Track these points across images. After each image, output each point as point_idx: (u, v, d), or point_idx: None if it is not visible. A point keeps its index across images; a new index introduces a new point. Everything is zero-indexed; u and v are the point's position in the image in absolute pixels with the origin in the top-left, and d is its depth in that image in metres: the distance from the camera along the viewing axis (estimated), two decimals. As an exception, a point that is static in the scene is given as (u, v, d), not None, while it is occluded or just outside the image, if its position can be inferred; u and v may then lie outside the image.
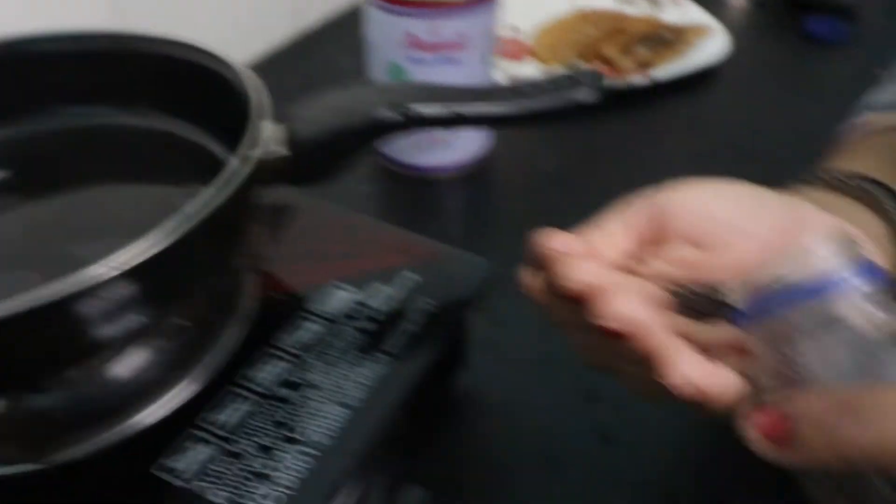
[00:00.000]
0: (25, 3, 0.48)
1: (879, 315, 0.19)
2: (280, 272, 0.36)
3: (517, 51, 0.66)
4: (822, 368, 0.19)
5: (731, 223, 0.27)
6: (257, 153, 0.29)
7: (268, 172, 0.31)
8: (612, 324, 0.23)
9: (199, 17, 0.62)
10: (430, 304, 0.34)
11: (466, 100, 0.32)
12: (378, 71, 0.51)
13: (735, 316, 0.23)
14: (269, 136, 0.31)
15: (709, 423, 0.36)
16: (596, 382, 0.38)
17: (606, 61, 0.63)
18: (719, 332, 0.25)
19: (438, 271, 0.36)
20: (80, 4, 0.52)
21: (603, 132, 0.58)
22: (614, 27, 0.65)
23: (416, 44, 0.48)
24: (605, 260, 0.28)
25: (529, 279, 0.29)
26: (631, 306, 0.24)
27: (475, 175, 0.54)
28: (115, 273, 0.24)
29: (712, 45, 0.64)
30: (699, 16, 0.68)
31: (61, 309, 0.24)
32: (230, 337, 0.32)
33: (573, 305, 0.26)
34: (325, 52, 0.68)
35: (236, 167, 0.28)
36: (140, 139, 0.36)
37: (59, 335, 0.25)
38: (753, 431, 0.19)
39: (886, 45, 0.67)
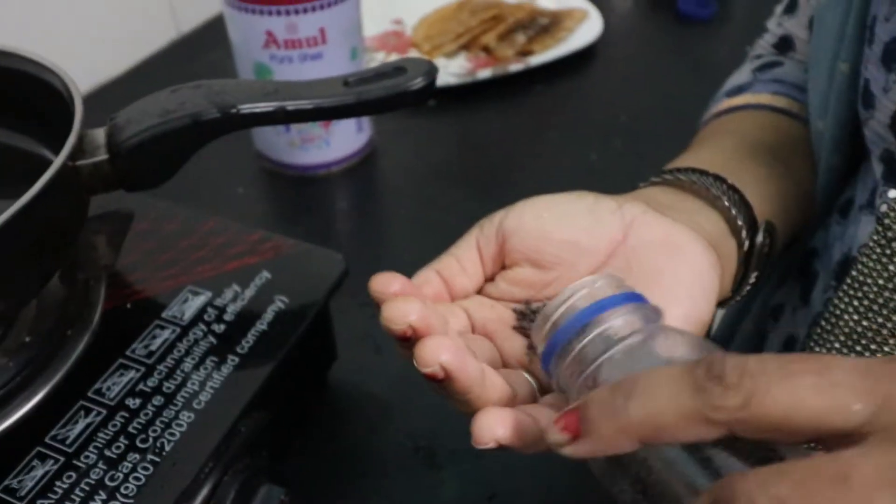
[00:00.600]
0: None
1: (641, 324, 0.23)
2: (132, 280, 0.35)
3: (400, 44, 0.67)
4: (612, 376, 0.21)
5: (567, 242, 0.28)
6: (66, 156, 0.28)
7: (92, 178, 0.31)
8: (425, 369, 0.23)
9: (76, 24, 0.60)
10: (283, 301, 0.34)
11: (295, 94, 0.33)
12: (245, 72, 0.50)
13: (542, 358, 0.24)
14: (92, 141, 0.31)
15: None
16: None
17: (486, 50, 0.64)
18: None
19: (294, 269, 0.36)
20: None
21: (485, 122, 0.59)
22: (491, 15, 0.66)
23: (277, 42, 0.48)
24: (457, 290, 0.28)
25: None
26: (443, 349, 0.23)
27: (356, 171, 0.54)
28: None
29: (588, 28, 0.66)
30: (575, 0, 0.70)
31: None
32: (75, 349, 0.32)
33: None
34: (207, 55, 0.67)
35: (48, 173, 0.27)
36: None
37: None
38: (555, 432, 0.20)
39: (756, 23, 0.70)
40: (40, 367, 0.31)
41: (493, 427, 0.22)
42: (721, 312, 0.45)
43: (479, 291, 0.29)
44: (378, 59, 0.64)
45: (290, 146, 0.52)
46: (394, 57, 0.64)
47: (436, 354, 0.22)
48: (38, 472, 0.28)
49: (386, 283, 0.25)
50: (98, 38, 0.62)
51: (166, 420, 0.29)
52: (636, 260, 0.27)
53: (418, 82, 0.33)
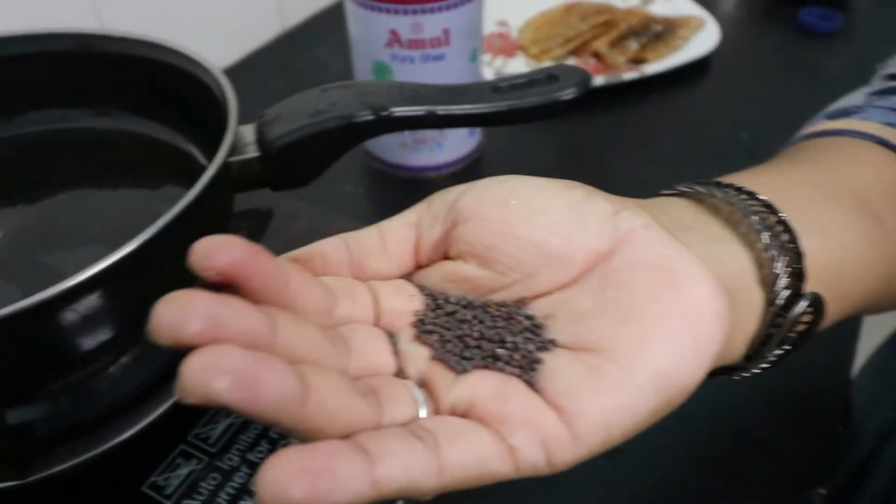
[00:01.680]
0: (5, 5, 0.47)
1: None
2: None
3: (506, 46, 0.65)
4: None
5: (534, 244, 0.21)
6: (225, 155, 0.28)
7: (240, 175, 0.31)
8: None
9: (184, 16, 0.61)
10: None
11: (445, 99, 0.32)
12: (363, 70, 0.50)
13: None
14: (241, 139, 0.31)
15: (719, 435, 0.35)
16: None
17: (597, 56, 0.63)
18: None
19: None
20: (62, 9, 0.51)
21: (595, 128, 0.58)
22: (603, 20, 0.64)
23: (400, 41, 0.47)
24: (368, 274, 0.23)
25: None
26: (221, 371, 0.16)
27: (465, 175, 0.53)
28: (90, 280, 0.23)
29: (703, 37, 0.63)
30: (690, 7, 0.67)
31: (40, 318, 0.23)
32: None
33: None
34: (312, 51, 0.67)
35: (210, 171, 0.27)
36: (112, 142, 0.35)
37: (38, 347, 0.24)
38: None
39: (880, 36, 0.66)
40: (179, 361, 0.31)
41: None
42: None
43: (407, 278, 0.24)
44: (484, 61, 0.63)
45: (402, 147, 0.51)
46: (500, 59, 0.63)
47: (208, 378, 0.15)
48: (183, 471, 0.27)
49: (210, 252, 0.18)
50: (205, 31, 0.63)
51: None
52: (616, 285, 0.21)
53: (571, 91, 0.32)
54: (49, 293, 0.22)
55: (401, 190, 0.52)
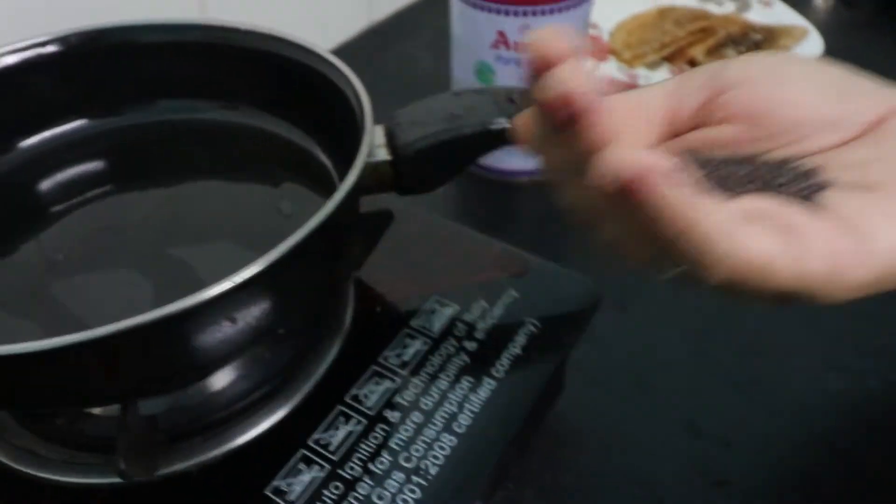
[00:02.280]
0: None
1: None
2: (377, 282, 0.34)
3: (598, 50, 0.64)
4: None
5: (808, 105, 0.22)
6: (365, 159, 0.27)
7: (370, 178, 0.30)
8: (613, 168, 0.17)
9: (275, 7, 0.60)
10: (534, 325, 0.32)
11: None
12: (464, 69, 0.49)
13: None
14: (374, 142, 0.30)
15: (835, 466, 0.34)
16: (698, 413, 0.36)
17: (692, 64, 0.61)
18: None
19: (543, 290, 0.34)
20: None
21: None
22: (700, 27, 0.63)
23: (507, 43, 0.46)
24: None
25: (523, 119, 0.23)
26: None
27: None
28: (235, 288, 0.23)
29: (805, 47, 0.61)
30: (789, 16, 0.65)
31: (183, 323, 0.22)
32: (331, 350, 0.31)
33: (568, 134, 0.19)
34: (400, 46, 0.66)
35: (351, 176, 0.26)
36: (236, 135, 0.35)
37: (171, 349, 0.24)
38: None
39: None
40: (299, 364, 0.30)
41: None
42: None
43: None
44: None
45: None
46: (591, 62, 0.62)
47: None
48: (306, 478, 0.27)
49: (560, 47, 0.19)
50: (294, 22, 0.62)
51: (428, 441, 0.28)
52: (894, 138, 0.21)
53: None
54: (196, 299, 0.22)
55: (495, 193, 0.51)
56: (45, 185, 0.33)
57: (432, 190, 0.31)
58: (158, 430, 0.27)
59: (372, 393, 0.30)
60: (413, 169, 0.30)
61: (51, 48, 0.33)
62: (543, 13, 0.45)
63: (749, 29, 0.62)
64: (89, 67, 0.33)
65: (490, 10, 0.45)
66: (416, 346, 0.31)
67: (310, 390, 0.29)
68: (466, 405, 0.29)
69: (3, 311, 0.28)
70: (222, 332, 0.24)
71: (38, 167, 0.33)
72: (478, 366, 0.31)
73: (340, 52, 0.66)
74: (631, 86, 0.58)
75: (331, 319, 0.32)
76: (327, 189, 0.33)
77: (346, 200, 0.25)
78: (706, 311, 0.41)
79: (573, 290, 0.34)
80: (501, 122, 0.29)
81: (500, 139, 0.29)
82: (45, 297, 0.29)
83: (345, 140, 0.32)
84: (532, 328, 0.32)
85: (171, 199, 0.34)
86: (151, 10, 0.50)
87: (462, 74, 0.49)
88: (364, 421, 0.29)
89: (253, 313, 0.25)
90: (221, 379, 0.29)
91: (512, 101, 0.30)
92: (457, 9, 0.47)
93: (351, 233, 0.30)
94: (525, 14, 0.45)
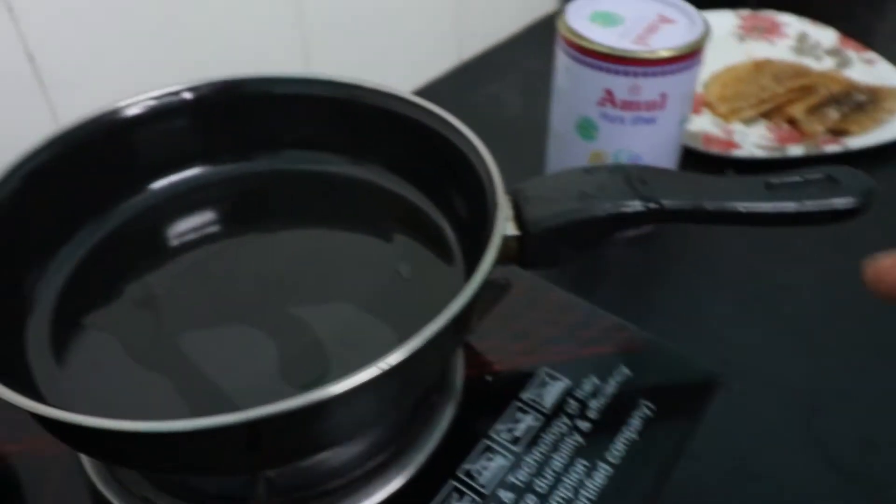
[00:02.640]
0: (217, 48, 0.49)
1: None
2: (486, 349, 0.34)
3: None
4: None
5: None
6: (501, 238, 0.27)
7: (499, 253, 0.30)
8: None
9: (363, 42, 0.61)
10: (649, 407, 0.31)
11: (713, 192, 0.30)
12: (565, 123, 0.49)
13: None
14: (504, 216, 0.30)
15: None
16: None
17: (791, 122, 0.59)
18: None
19: (656, 370, 0.33)
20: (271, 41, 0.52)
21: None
22: (800, 84, 0.61)
23: (614, 101, 0.45)
24: None
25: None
26: None
27: (658, 234, 0.51)
28: (380, 374, 0.22)
29: (911, 111, 0.59)
30: (894, 76, 0.63)
31: (331, 404, 0.22)
32: (443, 419, 0.31)
33: None
34: (488, 86, 0.66)
35: (486, 257, 0.26)
36: (356, 189, 0.35)
37: (309, 427, 0.24)
38: None
39: None
40: (413, 432, 0.30)
41: None
42: None
43: None
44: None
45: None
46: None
47: None
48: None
49: None
50: (384, 58, 0.63)
51: (544, 526, 0.28)
52: None
53: (852, 201, 0.30)
54: (350, 383, 0.22)
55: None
56: (171, 228, 0.34)
57: (556, 267, 0.31)
58: (277, 493, 0.27)
59: (485, 469, 0.29)
60: (540, 246, 0.29)
61: (185, 96, 0.34)
62: (655, 74, 0.44)
63: (852, 89, 0.60)
64: (220, 116, 0.34)
65: (599, 69, 0.45)
66: (527, 422, 0.31)
67: (424, 461, 0.29)
68: (582, 492, 0.29)
69: (133, 361, 0.29)
70: (356, 409, 0.24)
71: (165, 210, 0.34)
72: (592, 448, 0.30)
73: (429, 90, 0.67)
74: (728, 143, 0.57)
75: (443, 385, 0.32)
76: (442, 249, 0.33)
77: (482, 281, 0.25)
78: (815, 390, 0.40)
79: (689, 372, 0.33)
80: (635, 206, 0.29)
81: (633, 222, 0.29)
82: (173, 348, 0.29)
83: (467, 207, 0.32)
84: (647, 411, 0.31)
85: (290, 247, 0.34)
86: (256, 58, 0.51)
87: (562, 128, 0.49)
88: (479, 500, 0.28)
89: (385, 391, 0.25)
90: (338, 452, 0.29)
91: (644, 182, 0.30)
92: (563, 62, 0.47)
93: (473, 303, 0.30)
94: (636, 75, 0.44)
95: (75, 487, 0.29)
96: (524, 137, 0.56)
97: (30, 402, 0.21)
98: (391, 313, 0.30)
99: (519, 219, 0.29)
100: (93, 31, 0.42)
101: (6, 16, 0.38)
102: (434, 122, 0.32)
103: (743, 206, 0.30)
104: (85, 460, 0.30)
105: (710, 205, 0.29)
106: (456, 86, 0.67)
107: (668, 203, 0.29)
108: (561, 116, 0.49)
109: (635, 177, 0.30)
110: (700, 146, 0.56)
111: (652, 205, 0.29)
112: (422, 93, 0.66)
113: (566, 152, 0.50)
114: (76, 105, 0.43)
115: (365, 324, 0.30)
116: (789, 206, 0.30)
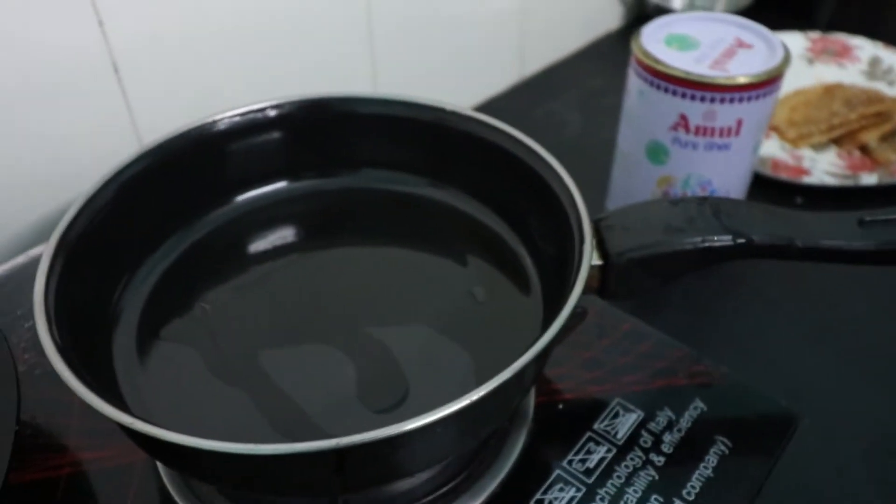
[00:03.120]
0: (292, 64, 0.49)
1: None
2: (557, 376, 0.34)
3: (757, 124, 0.61)
4: None
5: None
6: (587, 272, 0.27)
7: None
8: None
9: (427, 57, 0.61)
10: (725, 444, 0.31)
11: (805, 228, 0.29)
12: (634, 145, 0.48)
13: None
14: (591, 248, 0.29)
15: None
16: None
17: (863, 149, 0.58)
18: None
19: (732, 407, 0.32)
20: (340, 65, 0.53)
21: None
22: (874, 110, 0.59)
23: (687, 127, 0.45)
24: None
25: None
26: None
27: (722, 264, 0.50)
28: (466, 406, 0.22)
29: None
30: (972, 105, 0.61)
31: (418, 433, 0.22)
32: (515, 447, 0.30)
33: None
34: (549, 103, 0.66)
35: (573, 292, 0.26)
36: (434, 210, 0.35)
37: (393, 455, 0.24)
38: None
39: None
40: (485, 459, 0.30)
41: None
42: None
43: None
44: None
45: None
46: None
47: None
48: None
49: None
50: (447, 74, 0.63)
51: (618, 563, 0.27)
52: None
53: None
54: (439, 414, 0.22)
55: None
56: (253, 240, 0.35)
57: (634, 298, 0.30)
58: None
59: (557, 500, 0.29)
60: (622, 277, 0.29)
61: (271, 113, 0.34)
62: (732, 101, 0.43)
63: (928, 117, 0.59)
64: (305, 133, 0.35)
65: (674, 93, 0.44)
66: (600, 453, 0.30)
67: (495, 488, 0.29)
68: (657, 528, 0.28)
69: (214, 376, 0.29)
70: (439, 439, 0.24)
71: (248, 222, 0.35)
72: (667, 484, 0.29)
73: (489, 106, 0.66)
74: (797, 169, 0.56)
75: (517, 413, 0.31)
76: (518, 275, 0.33)
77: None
78: (891, 428, 0.39)
79: (766, 408, 0.32)
80: (724, 240, 0.28)
81: (720, 256, 0.28)
82: (252, 363, 0.30)
83: (546, 235, 0.32)
84: (723, 448, 0.31)
85: (367, 264, 0.34)
86: (327, 73, 0.52)
87: (630, 150, 0.49)
88: (552, 532, 0.28)
89: (468, 422, 0.25)
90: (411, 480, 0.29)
91: (731, 215, 0.29)
92: (635, 85, 0.47)
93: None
94: (712, 101, 0.43)
95: (151, 496, 0.30)
96: (586, 157, 0.56)
97: (136, 421, 0.22)
98: (467, 338, 0.30)
99: (601, 248, 0.29)
100: (175, 49, 0.43)
101: (97, 29, 0.39)
102: (517, 149, 0.32)
103: (836, 243, 0.29)
104: (161, 470, 0.30)
105: (801, 241, 0.29)
106: (516, 102, 0.67)
107: (757, 239, 0.28)
108: (630, 139, 0.49)
109: (723, 210, 0.29)
110: (768, 172, 0.55)
111: (741, 240, 0.28)
112: (482, 108, 0.66)
113: (633, 175, 0.49)
114: (156, 117, 0.45)
115: (441, 347, 0.30)
116: (887, 244, 0.29)
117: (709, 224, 0.29)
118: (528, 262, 0.33)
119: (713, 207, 0.29)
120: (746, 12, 0.70)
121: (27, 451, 0.30)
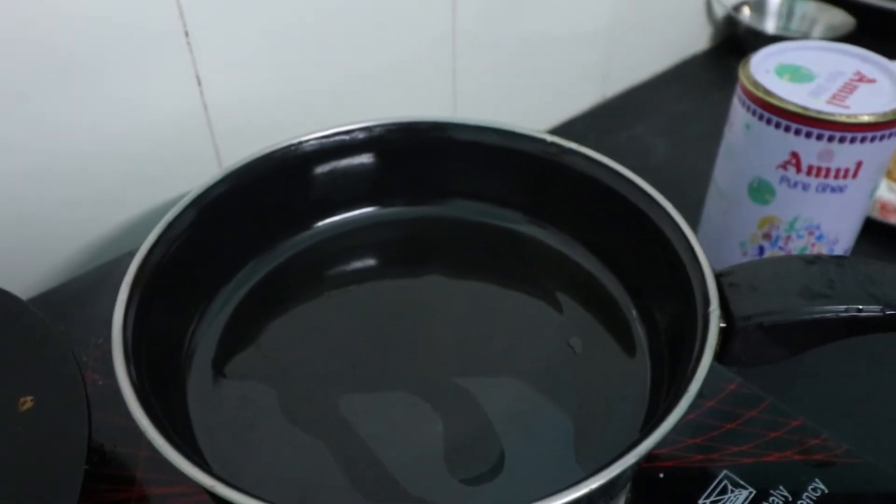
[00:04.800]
0: (366, 90, 0.47)
1: None
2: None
3: (861, 161, 0.57)
4: None
5: None
6: (715, 349, 0.24)
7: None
8: None
9: (508, 78, 0.59)
10: (852, 536, 0.27)
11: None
12: (734, 182, 0.45)
13: None
14: (716, 312, 0.26)
15: None
16: None
17: (983, 194, 0.53)
18: None
19: (854, 488, 0.29)
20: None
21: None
22: None
23: (798, 166, 0.41)
24: None
25: None
26: None
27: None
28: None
29: None
30: None
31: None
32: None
33: None
34: (631, 127, 0.63)
35: (701, 364, 0.23)
36: (530, 249, 0.32)
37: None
38: None
39: None
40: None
41: None
42: None
43: None
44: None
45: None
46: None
47: None
48: None
49: None
50: (528, 93, 0.60)
51: None
52: None
53: None
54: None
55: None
56: (332, 269, 0.33)
57: (757, 366, 0.27)
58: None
59: (659, 587, 0.26)
60: (747, 344, 0.26)
61: (360, 136, 0.32)
62: (852, 140, 0.39)
63: None
64: (394, 157, 0.33)
65: (787, 129, 0.40)
66: (708, 534, 0.27)
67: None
68: None
69: (290, 423, 0.27)
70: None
71: (328, 249, 0.33)
72: (785, 579, 0.26)
73: (569, 128, 0.64)
74: (908, 213, 0.51)
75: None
76: (620, 327, 0.30)
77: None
78: None
79: (892, 490, 0.29)
80: (872, 310, 0.25)
81: (864, 328, 0.25)
82: (330, 409, 0.27)
83: (657, 288, 0.29)
84: (849, 542, 0.27)
85: (454, 302, 0.32)
86: (407, 95, 0.50)
87: (730, 187, 0.45)
88: None
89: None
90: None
91: (873, 281, 0.26)
92: (741, 117, 0.43)
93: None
94: (830, 139, 0.40)
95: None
96: (673, 188, 0.52)
97: (218, 484, 0.20)
98: (565, 396, 0.28)
99: (724, 309, 0.26)
100: (260, 86, 0.41)
101: (191, 71, 0.37)
102: (627, 190, 0.29)
103: None
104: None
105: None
106: (598, 125, 0.64)
107: (907, 309, 0.25)
108: (730, 174, 0.45)
109: (867, 273, 0.26)
110: (876, 215, 0.51)
111: (891, 311, 0.25)
112: (562, 130, 0.63)
113: (731, 213, 0.46)
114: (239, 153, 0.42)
115: (536, 405, 0.28)
116: None
117: (853, 290, 0.25)
118: (632, 314, 0.30)
119: (852, 270, 0.26)
120: (847, 38, 0.65)
121: (93, 480, 0.29)
